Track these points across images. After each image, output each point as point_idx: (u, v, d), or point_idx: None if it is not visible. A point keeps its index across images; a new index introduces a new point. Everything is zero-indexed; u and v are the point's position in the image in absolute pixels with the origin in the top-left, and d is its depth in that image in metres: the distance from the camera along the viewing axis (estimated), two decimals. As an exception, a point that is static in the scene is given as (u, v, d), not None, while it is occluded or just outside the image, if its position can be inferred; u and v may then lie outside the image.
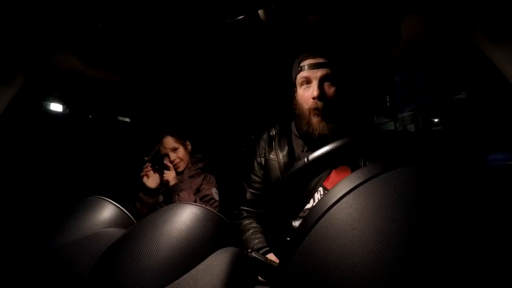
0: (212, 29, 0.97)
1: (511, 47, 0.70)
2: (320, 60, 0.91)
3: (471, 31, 0.76)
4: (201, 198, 1.28)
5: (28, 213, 1.12)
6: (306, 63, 0.93)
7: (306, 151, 0.99)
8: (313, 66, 0.91)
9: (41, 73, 0.98)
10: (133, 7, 0.70)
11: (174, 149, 1.34)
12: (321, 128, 0.90)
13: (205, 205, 1.25)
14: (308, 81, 0.92)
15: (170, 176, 1.26)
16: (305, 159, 0.41)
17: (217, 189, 1.35)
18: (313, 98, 0.89)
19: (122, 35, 0.87)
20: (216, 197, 1.31)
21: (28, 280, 0.44)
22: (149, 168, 1.27)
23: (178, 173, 1.35)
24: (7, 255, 0.50)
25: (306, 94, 0.92)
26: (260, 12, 0.84)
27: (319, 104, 0.89)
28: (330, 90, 0.91)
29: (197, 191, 1.30)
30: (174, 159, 1.33)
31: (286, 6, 0.82)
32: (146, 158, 1.29)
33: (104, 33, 0.84)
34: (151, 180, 1.26)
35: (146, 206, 1.26)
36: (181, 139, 1.38)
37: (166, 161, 1.32)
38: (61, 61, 0.97)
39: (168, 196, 1.27)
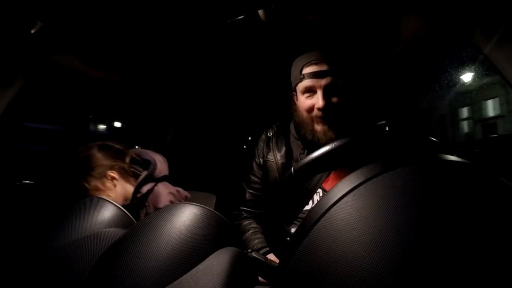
0: (212, 29, 0.97)
1: (511, 48, 0.70)
2: (323, 68, 0.87)
3: (471, 31, 0.76)
4: None
5: (28, 213, 1.12)
6: (308, 71, 0.89)
7: (304, 152, 0.99)
8: (316, 75, 0.87)
9: (41, 73, 0.98)
10: (133, 7, 0.70)
11: (101, 189, 0.86)
12: (327, 137, 0.88)
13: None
14: (311, 89, 0.89)
15: None
16: (291, 170, 0.42)
17: (171, 195, 0.94)
18: (318, 109, 0.87)
19: (122, 35, 0.87)
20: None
21: (28, 280, 0.44)
22: None
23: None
24: (7, 255, 0.50)
25: (309, 103, 0.89)
26: (260, 12, 0.84)
27: (325, 113, 0.87)
28: (334, 98, 0.88)
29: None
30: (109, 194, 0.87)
31: (286, 6, 0.82)
32: None
33: (104, 33, 0.84)
34: None
35: None
36: (94, 179, 0.84)
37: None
38: (61, 62, 0.97)
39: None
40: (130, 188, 0.90)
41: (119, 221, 0.57)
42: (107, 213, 0.58)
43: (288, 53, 1.17)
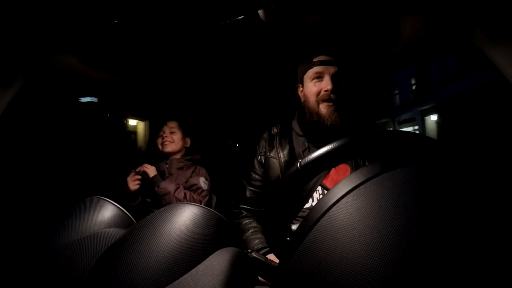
0: (212, 29, 0.97)
1: (511, 47, 0.69)
2: (332, 58, 0.98)
3: (471, 31, 0.76)
4: (189, 188, 1.31)
5: (28, 213, 1.12)
6: (319, 59, 0.98)
7: (308, 148, 1.01)
8: (327, 63, 0.97)
9: (41, 73, 0.98)
10: (133, 7, 0.71)
11: (172, 131, 1.44)
12: (332, 118, 0.95)
13: (193, 194, 1.24)
14: (320, 76, 0.97)
15: (150, 169, 1.27)
16: (298, 164, 0.40)
17: (208, 180, 1.39)
18: (326, 91, 0.95)
19: (122, 35, 0.87)
20: (204, 186, 1.34)
21: (28, 280, 0.44)
22: (133, 173, 1.28)
23: (164, 153, 1.41)
24: (7, 255, 0.50)
25: (317, 87, 0.97)
26: (260, 12, 0.84)
27: (332, 96, 0.95)
28: (340, 85, 0.97)
29: (186, 182, 1.34)
30: (167, 136, 1.42)
31: (286, 6, 0.82)
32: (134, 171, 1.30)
33: (104, 33, 0.84)
34: (131, 184, 1.26)
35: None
36: (183, 129, 1.49)
37: (160, 135, 1.45)
38: (62, 62, 0.97)
39: (149, 187, 1.27)
40: (181, 155, 1.47)
41: (119, 221, 0.57)
42: (107, 213, 0.58)
43: (288, 53, 1.16)
